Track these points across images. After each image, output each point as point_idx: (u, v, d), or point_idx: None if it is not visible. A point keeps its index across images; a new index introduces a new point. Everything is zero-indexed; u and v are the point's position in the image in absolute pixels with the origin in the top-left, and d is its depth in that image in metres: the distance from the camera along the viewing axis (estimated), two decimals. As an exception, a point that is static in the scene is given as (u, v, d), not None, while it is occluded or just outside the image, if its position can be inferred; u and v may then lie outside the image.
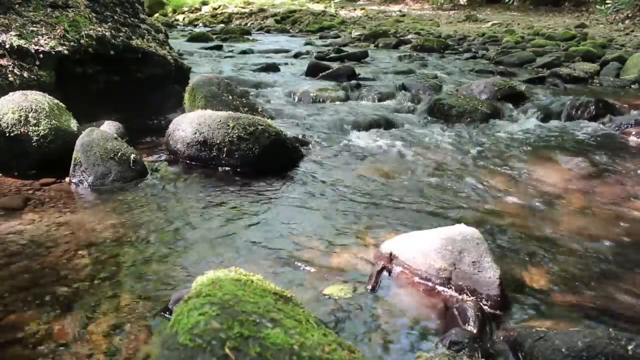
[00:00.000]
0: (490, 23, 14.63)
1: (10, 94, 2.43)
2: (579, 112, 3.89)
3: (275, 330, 0.88)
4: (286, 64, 6.59)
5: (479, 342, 1.28)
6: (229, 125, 2.52)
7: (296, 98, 4.39)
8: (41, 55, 2.89)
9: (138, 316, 1.37)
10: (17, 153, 2.37)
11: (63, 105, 2.56)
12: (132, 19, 3.73)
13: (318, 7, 19.28)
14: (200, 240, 1.82)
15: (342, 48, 8.30)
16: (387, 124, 3.54)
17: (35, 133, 2.35)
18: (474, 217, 2.09)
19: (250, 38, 10.94)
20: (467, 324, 1.37)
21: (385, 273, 1.63)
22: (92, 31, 3.20)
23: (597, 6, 15.52)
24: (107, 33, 3.29)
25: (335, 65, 5.83)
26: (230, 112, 2.70)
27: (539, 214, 2.14)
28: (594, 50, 7.52)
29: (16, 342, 1.26)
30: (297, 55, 7.61)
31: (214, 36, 10.44)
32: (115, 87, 3.46)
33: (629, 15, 13.67)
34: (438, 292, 1.53)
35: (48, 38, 2.97)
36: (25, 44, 2.86)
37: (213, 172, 2.53)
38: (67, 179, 2.34)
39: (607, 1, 14.59)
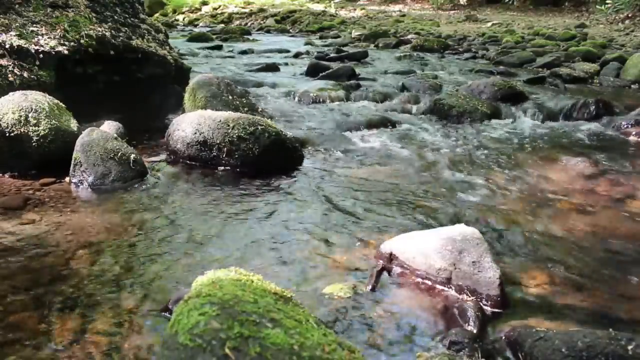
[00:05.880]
0: (490, 23, 14.63)
1: (10, 94, 2.43)
2: (579, 112, 3.89)
3: (275, 330, 0.88)
4: (286, 64, 6.59)
5: (479, 342, 1.28)
6: (229, 125, 2.52)
7: (296, 98, 4.39)
8: (41, 55, 2.89)
9: (138, 316, 1.37)
10: (17, 153, 2.37)
11: (63, 105, 2.56)
12: (132, 19, 3.73)
13: (318, 7, 19.28)
14: (200, 240, 1.82)
15: (342, 48, 8.30)
16: (387, 124, 3.54)
17: (35, 133, 2.35)
18: (474, 217, 2.09)
19: (250, 38, 10.95)
20: (467, 324, 1.37)
21: (385, 273, 1.63)
22: (92, 31, 3.20)
23: (597, 6, 15.51)
24: (107, 33, 3.29)
25: (335, 65, 5.83)
26: (230, 112, 2.70)
27: (539, 213, 2.14)
28: (594, 50, 7.52)
29: (16, 342, 1.26)
30: (297, 55, 7.61)
31: (214, 36, 10.44)
32: (115, 87, 3.46)
33: (629, 15, 13.66)
34: (438, 292, 1.53)
35: (48, 38, 2.97)
36: (25, 44, 2.86)
37: (213, 172, 2.53)
38: (67, 179, 2.34)
39: (607, 1, 14.59)
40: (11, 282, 1.52)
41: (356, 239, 1.86)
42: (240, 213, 2.06)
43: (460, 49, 8.86)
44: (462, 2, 20.36)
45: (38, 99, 2.43)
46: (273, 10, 18.06)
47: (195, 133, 2.55)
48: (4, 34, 2.82)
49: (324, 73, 5.35)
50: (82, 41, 3.11)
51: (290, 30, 14.37)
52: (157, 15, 18.04)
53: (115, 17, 3.56)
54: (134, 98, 3.55)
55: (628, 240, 1.91)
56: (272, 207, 2.13)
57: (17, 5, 3.06)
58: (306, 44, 9.77)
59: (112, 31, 3.37)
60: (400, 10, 19.55)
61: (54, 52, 2.94)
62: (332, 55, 7.20)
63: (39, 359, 1.21)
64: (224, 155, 2.53)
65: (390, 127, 3.51)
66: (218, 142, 2.51)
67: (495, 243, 1.85)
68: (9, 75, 2.72)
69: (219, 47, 8.41)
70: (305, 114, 3.83)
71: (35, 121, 2.36)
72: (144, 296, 1.47)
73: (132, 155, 2.38)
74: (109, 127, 2.79)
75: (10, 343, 1.26)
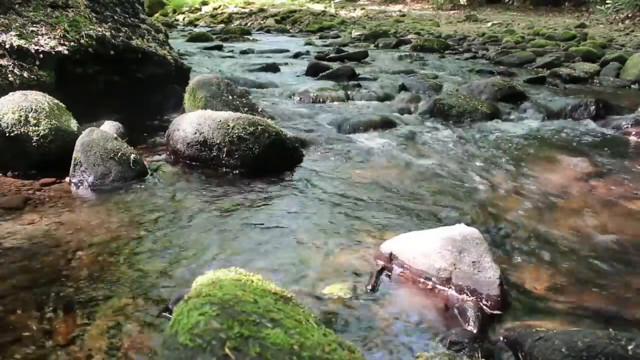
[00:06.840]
0: (490, 23, 14.63)
1: (10, 94, 2.43)
2: (579, 112, 3.89)
3: (275, 330, 0.88)
4: (286, 64, 6.59)
5: (479, 342, 1.28)
6: (229, 125, 2.51)
7: (296, 98, 4.39)
8: (41, 55, 2.89)
9: (138, 316, 1.37)
10: (17, 153, 2.37)
11: (63, 105, 2.56)
12: (132, 19, 3.73)
13: (318, 7, 19.29)
14: (200, 240, 1.82)
15: (342, 48, 8.29)
16: (387, 124, 3.54)
17: (35, 133, 2.35)
18: (474, 217, 2.09)
19: (250, 38, 10.94)
20: (467, 324, 1.37)
21: (385, 273, 1.63)
22: (92, 31, 3.20)
23: (597, 6, 15.52)
24: (107, 33, 3.29)
25: (335, 65, 5.83)
26: (230, 112, 2.70)
27: (539, 213, 2.14)
28: (594, 50, 7.52)
29: (16, 342, 1.26)
30: (297, 55, 7.61)
31: (214, 36, 10.43)
32: (115, 87, 3.46)
33: (629, 15, 13.67)
34: (438, 292, 1.53)
35: (48, 38, 2.97)
36: (25, 44, 2.86)
37: (213, 172, 2.53)
38: (67, 179, 2.34)
39: (607, 1, 14.59)
40: (11, 282, 1.52)
41: (356, 239, 1.86)
42: (240, 213, 2.06)
43: (460, 49, 8.85)
44: (462, 2, 20.35)
45: (38, 99, 2.43)
46: (273, 10, 18.06)
47: (195, 133, 2.55)
48: (4, 34, 2.82)
49: (324, 73, 5.35)
50: (82, 41, 3.11)
51: (290, 30, 14.36)
52: (157, 15, 18.03)
53: (115, 17, 3.56)
54: (134, 98, 3.55)
55: (628, 240, 1.91)
56: (272, 207, 2.13)
57: (17, 5, 3.06)
58: (306, 44, 9.76)
59: (112, 31, 3.37)
60: (400, 10, 19.55)
61: (54, 52, 2.94)
62: (332, 55, 7.19)
63: (39, 359, 1.21)
64: (224, 155, 2.53)
65: (390, 127, 3.51)
66: (218, 142, 2.51)
67: (495, 243, 1.85)
68: (9, 75, 2.73)
69: (219, 47, 8.40)
70: (306, 114, 3.82)
71: (35, 121, 2.36)
72: (144, 296, 1.47)
73: (132, 155, 2.38)
74: (109, 127, 2.79)
75: (11, 343, 1.26)
